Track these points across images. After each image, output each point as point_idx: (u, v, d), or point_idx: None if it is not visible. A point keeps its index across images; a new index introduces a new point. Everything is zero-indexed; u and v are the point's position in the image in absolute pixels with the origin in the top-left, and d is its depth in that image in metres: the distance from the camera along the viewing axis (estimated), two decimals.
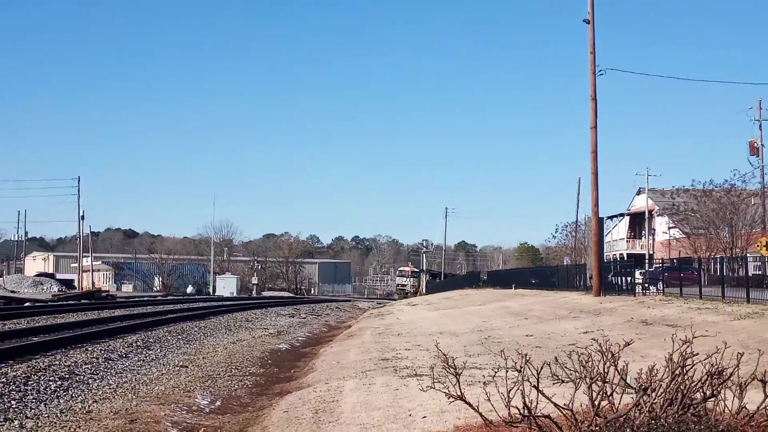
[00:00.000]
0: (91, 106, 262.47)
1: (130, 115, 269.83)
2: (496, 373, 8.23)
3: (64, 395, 14.44)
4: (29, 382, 15.09)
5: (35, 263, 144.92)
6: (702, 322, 21.20)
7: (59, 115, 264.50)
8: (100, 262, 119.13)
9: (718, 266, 34.73)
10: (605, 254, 55.29)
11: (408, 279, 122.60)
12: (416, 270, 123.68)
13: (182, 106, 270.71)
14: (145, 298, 67.98)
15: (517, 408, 7.10)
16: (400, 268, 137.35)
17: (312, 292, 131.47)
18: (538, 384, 7.22)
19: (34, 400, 13.65)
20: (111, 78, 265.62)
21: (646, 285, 39.31)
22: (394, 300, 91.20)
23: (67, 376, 16.46)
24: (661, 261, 45.27)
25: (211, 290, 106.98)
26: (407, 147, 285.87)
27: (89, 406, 13.47)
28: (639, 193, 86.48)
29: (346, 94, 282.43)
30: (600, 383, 6.92)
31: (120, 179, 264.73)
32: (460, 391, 7.90)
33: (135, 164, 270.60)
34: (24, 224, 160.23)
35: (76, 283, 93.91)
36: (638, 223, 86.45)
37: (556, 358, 7.51)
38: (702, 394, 6.79)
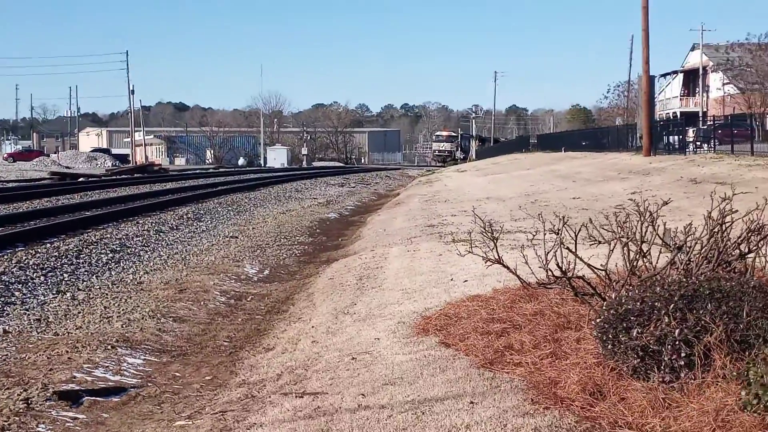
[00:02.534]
0: None
1: None
2: (534, 236, 8.20)
3: (116, 267, 14.76)
4: (81, 256, 15.42)
5: (89, 139, 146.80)
6: (752, 178, 20.87)
7: None
8: (152, 136, 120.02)
9: None
10: (658, 113, 54.32)
11: (446, 144, 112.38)
12: (453, 134, 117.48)
13: None
14: (197, 171, 68.47)
15: (551, 270, 7.08)
16: (437, 133, 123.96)
17: (362, 161, 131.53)
18: (576, 246, 7.17)
19: (86, 273, 13.96)
20: None
21: (699, 143, 38.70)
22: (441, 167, 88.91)
23: (118, 248, 16.80)
24: (713, 118, 44.34)
25: (261, 162, 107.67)
26: (457, 9, 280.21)
27: (140, 278, 13.77)
28: (693, 49, 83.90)
29: None
30: (637, 243, 6.84)
31: (169, 52, 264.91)
32: (498, 255, 7.90)
33: (183, 37, 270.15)
34: (76, 100, 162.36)
35: (129, 158, 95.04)
36: (692, 80, 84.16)
37: (590, 219, 7.42)
38: (740, 251, 6.69)
